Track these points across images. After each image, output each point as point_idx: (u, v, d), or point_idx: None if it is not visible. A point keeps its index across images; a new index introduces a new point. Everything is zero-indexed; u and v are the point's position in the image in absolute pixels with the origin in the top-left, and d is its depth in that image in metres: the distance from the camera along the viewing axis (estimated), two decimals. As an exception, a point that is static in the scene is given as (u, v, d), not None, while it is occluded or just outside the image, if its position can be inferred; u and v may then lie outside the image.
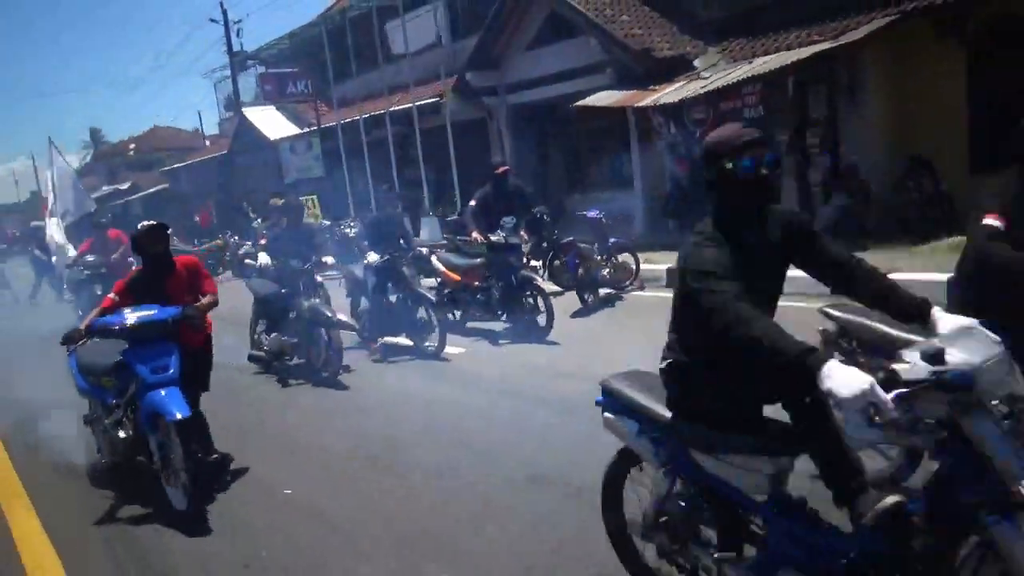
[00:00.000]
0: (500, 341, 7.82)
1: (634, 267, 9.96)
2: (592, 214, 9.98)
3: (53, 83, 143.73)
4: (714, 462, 2.54)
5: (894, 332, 3.10)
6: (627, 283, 9.82)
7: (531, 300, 7.68)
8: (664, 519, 2.77)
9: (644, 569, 3.01)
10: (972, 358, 2.07)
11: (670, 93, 11.71)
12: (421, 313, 7.51)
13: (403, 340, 7.67)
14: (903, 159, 10.91)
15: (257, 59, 27.71)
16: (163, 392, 4.29)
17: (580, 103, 12.94)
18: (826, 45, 10.46)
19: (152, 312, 4.50)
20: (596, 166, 16.15)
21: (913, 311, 2.38)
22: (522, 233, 8.52)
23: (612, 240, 9.87)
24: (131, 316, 4.46)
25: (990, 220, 2.89)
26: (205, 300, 4.91)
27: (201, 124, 57.23)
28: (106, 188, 38.55)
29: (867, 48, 10.65)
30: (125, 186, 37.82)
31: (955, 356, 2.08)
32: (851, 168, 11.18)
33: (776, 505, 2.49)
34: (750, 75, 10.86)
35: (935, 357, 2.05)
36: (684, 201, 12.52)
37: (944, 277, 3.37)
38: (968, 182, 9.47)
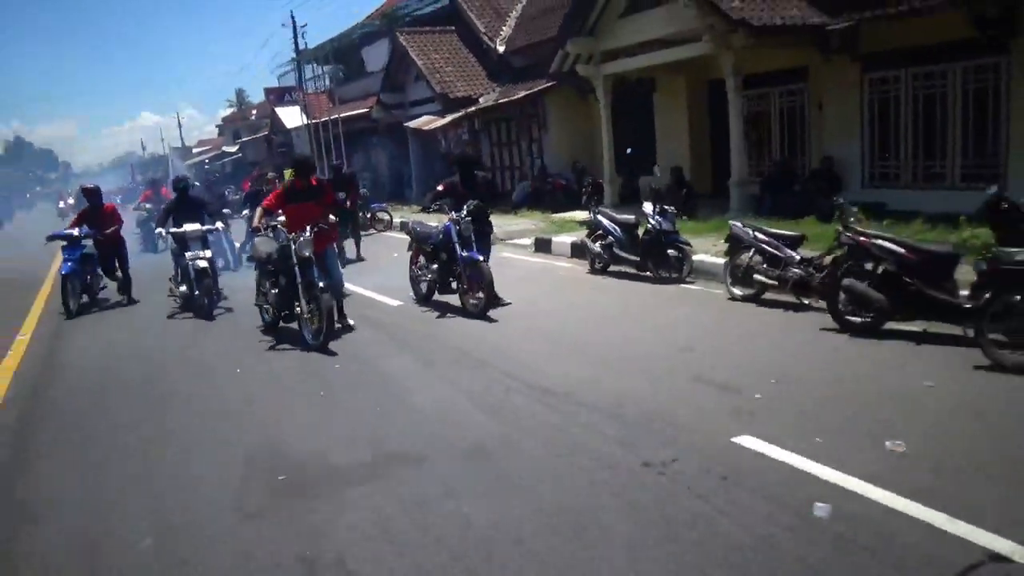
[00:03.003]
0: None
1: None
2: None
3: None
4: None
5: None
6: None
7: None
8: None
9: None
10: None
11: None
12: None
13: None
14: (571, 166, 18.51)
15: (303, 59, 37.06)
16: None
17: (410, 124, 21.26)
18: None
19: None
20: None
21: None
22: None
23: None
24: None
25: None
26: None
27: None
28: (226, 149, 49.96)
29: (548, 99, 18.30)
30: (233, 149, 48.93)
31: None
32: (543, 167, 18.99)
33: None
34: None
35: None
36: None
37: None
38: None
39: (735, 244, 8.16)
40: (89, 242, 10.46)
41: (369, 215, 17.91)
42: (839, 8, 11.86)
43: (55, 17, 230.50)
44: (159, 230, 10.53)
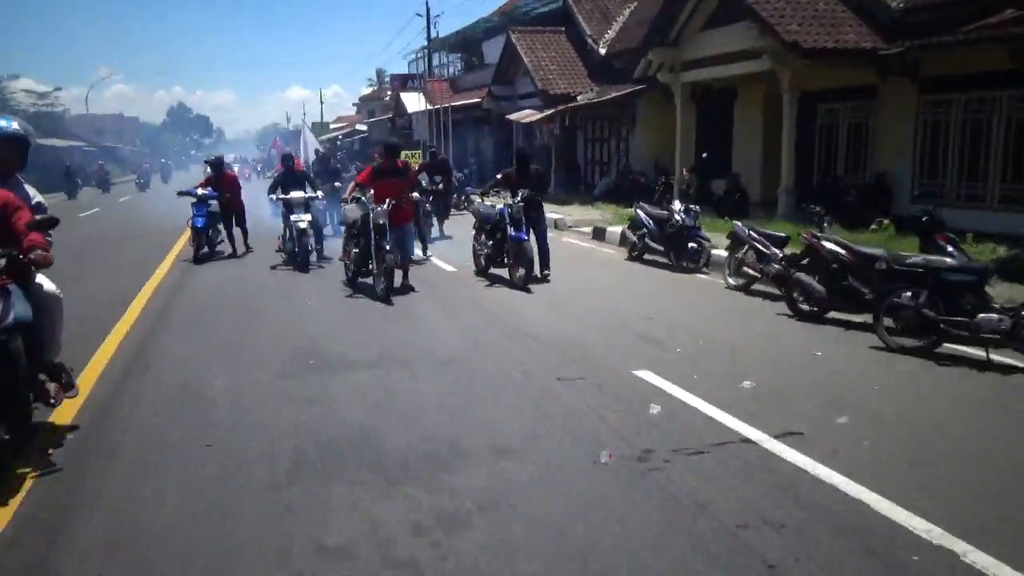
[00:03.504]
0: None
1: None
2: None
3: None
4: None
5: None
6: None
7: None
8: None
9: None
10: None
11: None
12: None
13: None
14: (653, 164, 19.83)
15: (432, 48, 39.69)
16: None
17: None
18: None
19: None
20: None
21: None
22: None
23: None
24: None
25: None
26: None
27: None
28: (358, 127, 53.77)
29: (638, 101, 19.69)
30: (364, 127, 52.61)
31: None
32: (627, 164, 20.40)
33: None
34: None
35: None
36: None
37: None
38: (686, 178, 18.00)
39: (735, 241, 9.43)
40: (215, 202, 12.81)
41: (463, 197, 19.85)
42: (895, 34, 12.67)
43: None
44: (271, 196, 12.76)
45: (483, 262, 10.74)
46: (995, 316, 5.85)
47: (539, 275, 9.94)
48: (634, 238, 11.69)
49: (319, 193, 12.70)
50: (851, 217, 12.53)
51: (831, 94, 14.96)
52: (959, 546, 3.27)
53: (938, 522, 3.45)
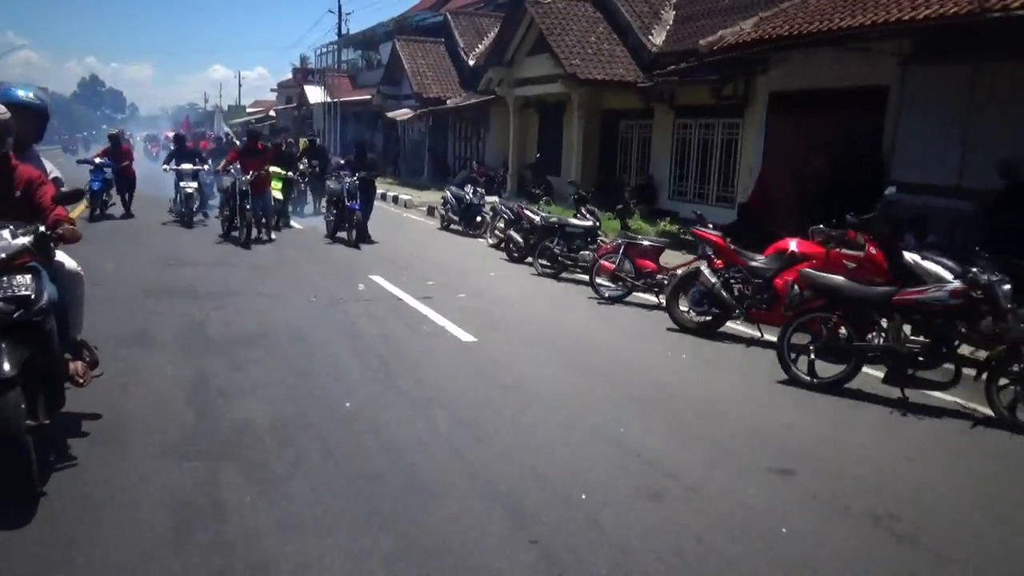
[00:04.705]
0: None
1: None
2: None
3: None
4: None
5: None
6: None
7: None
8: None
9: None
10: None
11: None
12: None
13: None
14: (502, 161, 23.85)
15: (340, 45, 43.02)
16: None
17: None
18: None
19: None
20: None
21: None
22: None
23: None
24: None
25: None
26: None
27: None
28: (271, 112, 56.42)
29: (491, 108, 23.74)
30: (273, 113, 55.32)
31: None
32: (480, 160, 24.41)
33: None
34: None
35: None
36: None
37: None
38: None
39: (495, 212, 13.51)
40: (109, 170, 15.91)
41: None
42: (652, 71, 17.07)
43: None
44: (164, 166, 16.09)
45: (331, 227, 14.46)
46: (589, 254, 10.02)
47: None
48: (442, 212, 15.69)
49: (205, 166, 16.17)
50: (627, 207, 16.94)
51: (627, 113, 19.33)
52: (451, 328, 7.30)
53: (445, 316, 7.49)
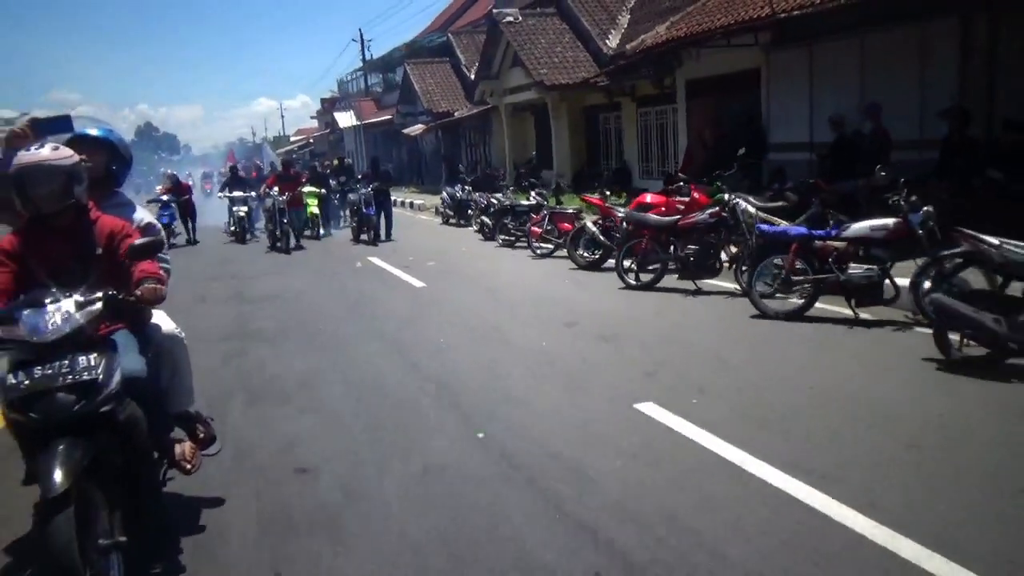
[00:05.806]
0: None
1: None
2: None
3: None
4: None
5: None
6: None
7: None
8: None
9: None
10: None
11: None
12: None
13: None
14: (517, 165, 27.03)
15: (367, 70, 46.83)
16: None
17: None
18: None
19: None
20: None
21: None
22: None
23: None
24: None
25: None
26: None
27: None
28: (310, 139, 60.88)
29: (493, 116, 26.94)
30: (311, 140, 59.65)
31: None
32: (487, 162, 27.60)
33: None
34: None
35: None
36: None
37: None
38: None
39: (475, 204, 16.63)
40: (174, 205, 19.55)
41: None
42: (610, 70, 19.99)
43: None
44: (219, 194, 19.70)
45: (354, 232, 17.82)
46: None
47: (384, 238, 17.09)
48: (443, 209, 18.92)
49: (253, 192, 19.76)
50: (607, 189, 19.87)
51: (602, 107, 22.25)
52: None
53: (410, 275, 10.67)
